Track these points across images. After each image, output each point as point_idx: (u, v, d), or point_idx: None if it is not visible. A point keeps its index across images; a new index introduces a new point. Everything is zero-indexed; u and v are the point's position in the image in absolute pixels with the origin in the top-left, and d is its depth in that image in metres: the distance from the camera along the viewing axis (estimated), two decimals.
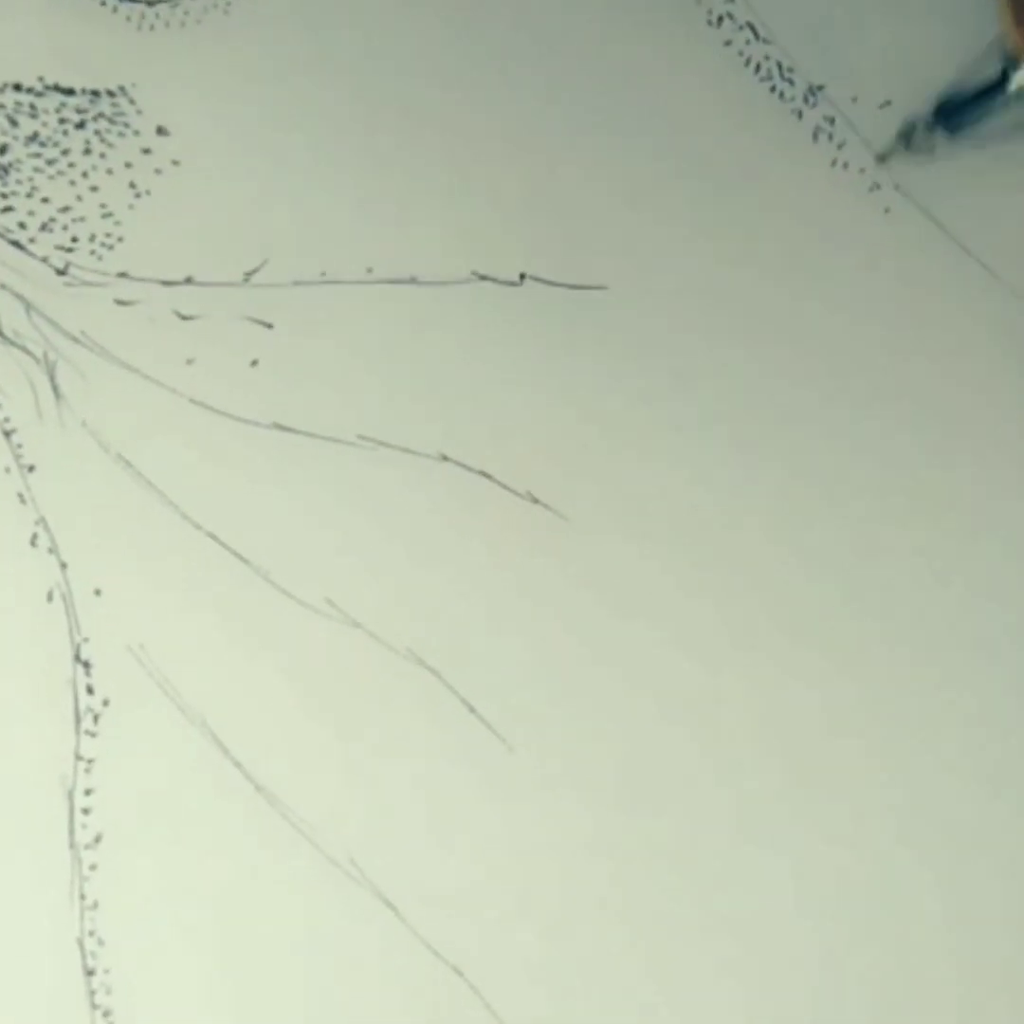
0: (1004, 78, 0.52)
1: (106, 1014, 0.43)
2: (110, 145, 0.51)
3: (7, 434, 0.48)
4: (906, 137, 0.53)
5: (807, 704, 0.48)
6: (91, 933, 0.43)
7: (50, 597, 0.46)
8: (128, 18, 0.52)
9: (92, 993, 0.43)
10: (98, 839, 0.44)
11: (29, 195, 0.50)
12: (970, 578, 0.50)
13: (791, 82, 0.59)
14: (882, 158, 0.53)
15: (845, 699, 0.48)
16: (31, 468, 0.47)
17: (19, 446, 0.47)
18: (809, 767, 0.47)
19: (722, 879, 0.46)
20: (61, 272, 0.49)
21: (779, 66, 0.59)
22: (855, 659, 0.49)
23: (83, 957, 0.43)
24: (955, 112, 0.54)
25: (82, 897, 0.44)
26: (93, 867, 0.44)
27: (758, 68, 0.58)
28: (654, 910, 0.45)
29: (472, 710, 0.46)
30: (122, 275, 0.50)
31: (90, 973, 0.43)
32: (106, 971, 0.43)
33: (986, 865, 0.47)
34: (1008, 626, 0.49)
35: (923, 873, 0.47)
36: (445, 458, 0.50)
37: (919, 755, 0.48)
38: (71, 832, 0.44)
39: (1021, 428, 0.52)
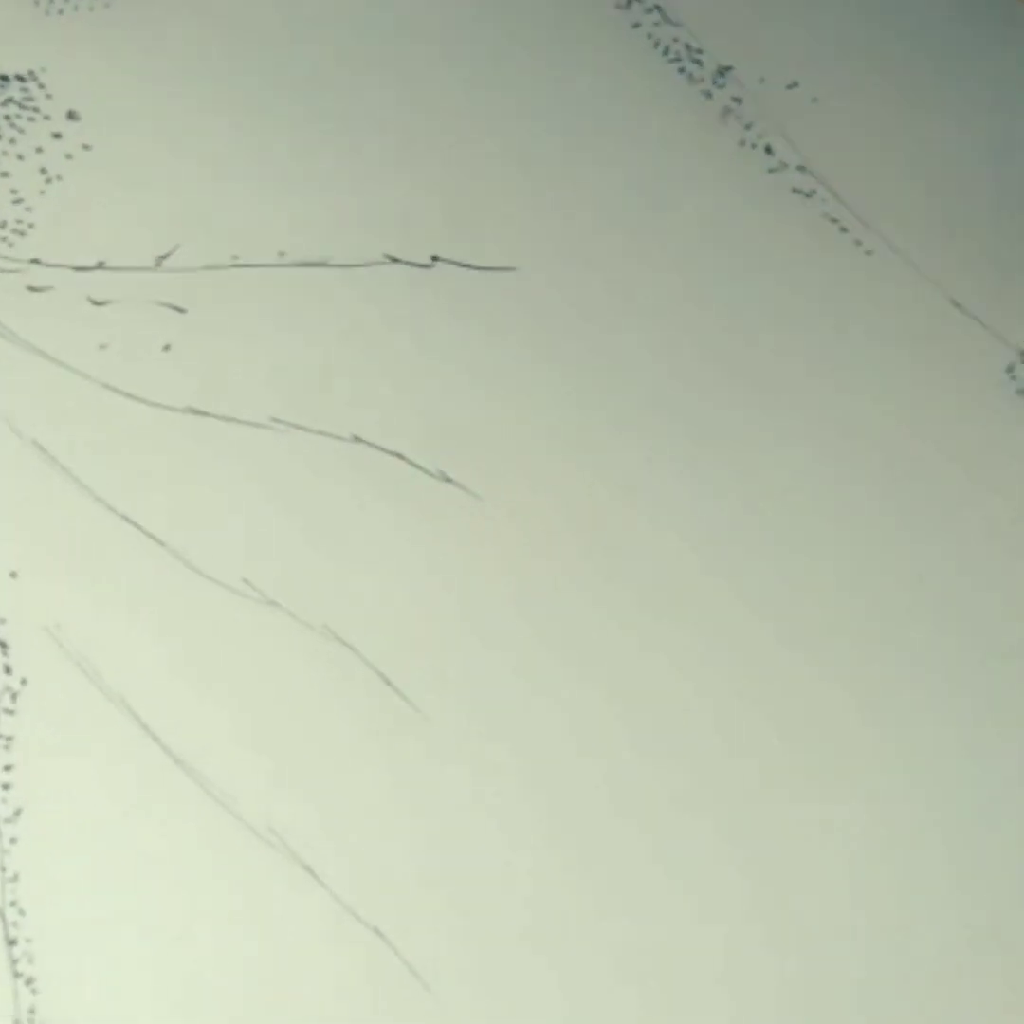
0: None
1: (29, 982, 0.44)
2: (20, 130, 0.52)
3: None
4: None
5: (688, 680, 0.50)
6: (13, 904, 0.45)
7: None
8: (36, 1, 0.53)
9: (14, 962, 0.44)
10: (18, 813, 0.45)
11: None
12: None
13: (700, 63, 0.60)
14: None
15: (753, 698, 0.50)
16: None
17: None
18: (722, 751, 0.49)
19: (660, 855, 0.48)
20: None
21: (687, 47, 0.60)
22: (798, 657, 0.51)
23: (4, 927, 0.45)
24: None
25: (2, 869, 0.45)
26: (14, 840, 0.45)
27: (667, 50, 0.59)
28: (570, 872, 0.48)
29: (388, 682, 0.48)
30: (34, 261, 0.50)
31: (12, 943, 0.44)
32: (28, 940, 0.45)
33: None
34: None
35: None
36: (358, 439, 0.51)
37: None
38: None
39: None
